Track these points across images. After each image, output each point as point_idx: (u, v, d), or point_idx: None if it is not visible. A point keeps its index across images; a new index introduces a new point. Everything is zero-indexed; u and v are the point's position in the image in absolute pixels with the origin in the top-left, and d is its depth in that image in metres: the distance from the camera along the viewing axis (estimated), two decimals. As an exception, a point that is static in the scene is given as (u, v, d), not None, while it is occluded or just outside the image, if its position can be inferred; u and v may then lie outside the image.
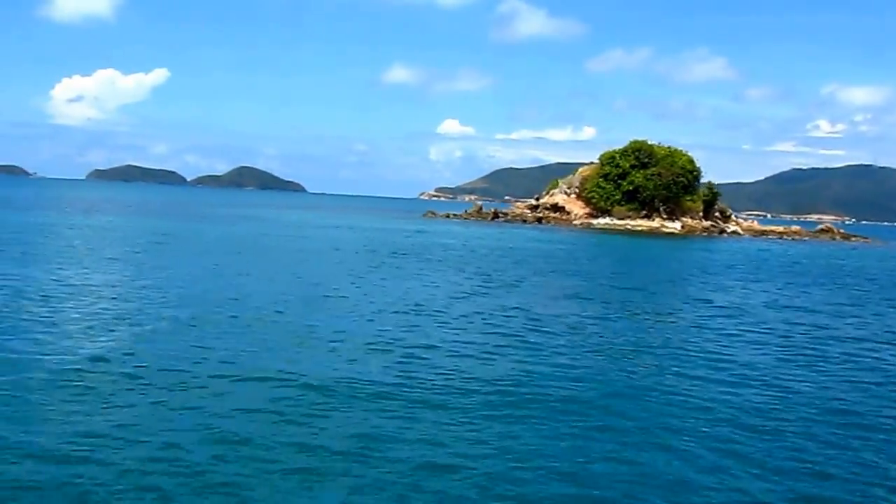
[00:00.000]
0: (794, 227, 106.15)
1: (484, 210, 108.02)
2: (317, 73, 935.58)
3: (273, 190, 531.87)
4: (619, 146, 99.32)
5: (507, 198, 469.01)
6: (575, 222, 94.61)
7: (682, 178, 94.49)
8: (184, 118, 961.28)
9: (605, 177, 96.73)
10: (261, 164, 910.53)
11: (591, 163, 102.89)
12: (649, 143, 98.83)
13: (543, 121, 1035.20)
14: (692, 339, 19.44)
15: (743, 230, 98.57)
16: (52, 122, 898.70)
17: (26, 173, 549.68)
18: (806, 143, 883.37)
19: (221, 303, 20.67)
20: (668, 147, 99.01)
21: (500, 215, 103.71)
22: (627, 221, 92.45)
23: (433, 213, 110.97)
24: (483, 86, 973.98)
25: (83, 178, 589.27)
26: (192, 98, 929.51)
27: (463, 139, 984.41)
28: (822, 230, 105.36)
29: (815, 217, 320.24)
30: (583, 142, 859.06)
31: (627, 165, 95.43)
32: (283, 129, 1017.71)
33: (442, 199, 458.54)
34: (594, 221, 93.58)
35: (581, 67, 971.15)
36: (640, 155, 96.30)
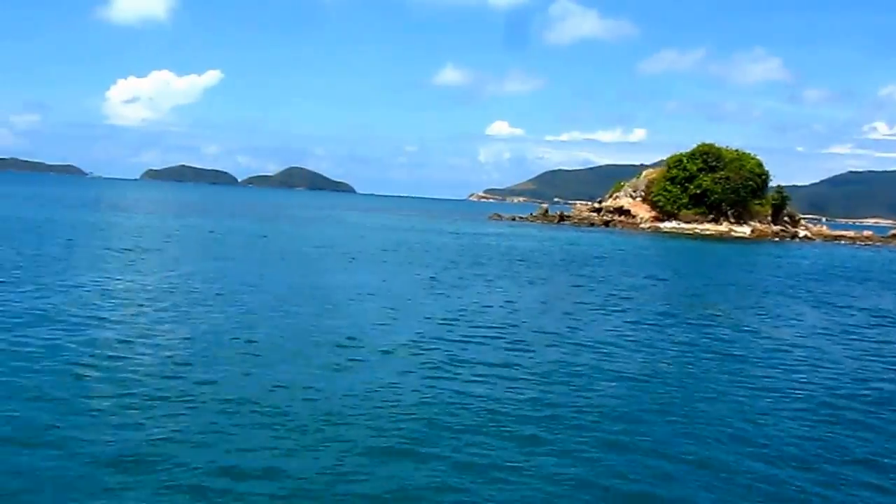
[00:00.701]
0: (866, 233, 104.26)
1: (550, 213, 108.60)
2: (368, 75, 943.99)
3: (323, 190, 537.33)
4: (671, 148, 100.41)
5: (556, 199, 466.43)
6: (642, 226, 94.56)
7: (750, 182, 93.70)
8: (235, 119, 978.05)
9: (672, 180, 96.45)
10: (311, 165, 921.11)
11: (643, 165, 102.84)
12: (717, 146, 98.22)
13: (593, 122, 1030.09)
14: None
15: (812, 234, 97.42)
16: (107, 122, 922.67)
17: (82, 173, 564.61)
18: (862, 146, 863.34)
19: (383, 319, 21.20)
20: (737, 150, 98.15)
21: (565, 218, 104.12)
22: (695, 226, 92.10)
23: (499, 216, 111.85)
24: (533, 87, 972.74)
25: (137, 177, 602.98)
26: (244, 99, 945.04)
27: (512, 141, 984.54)
28: (894, 235, 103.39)
29: (871, 221, 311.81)
30: (633, 143, 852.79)
31: (695, 169, 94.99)
32: (334, 129, 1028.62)
33: (491, 200, 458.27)
34: (661, 225, 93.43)
35: (632, 68, 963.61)
36: (708, 158, 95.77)
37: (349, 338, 17.08)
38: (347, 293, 24.53)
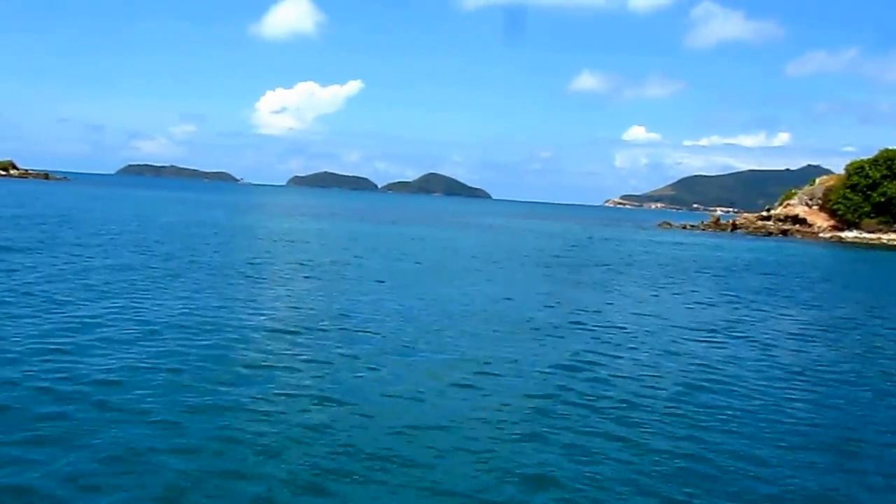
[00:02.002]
0: None
1: (721, 221, 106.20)
2: (504, 82, 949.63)
3: (459, 196, 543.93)
4: (818, 153, 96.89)
5: (695, 206, 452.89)
6: (821, 235, 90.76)
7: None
8: (374, 127, 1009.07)
9: (853, 188, 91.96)
10: (447, 171, 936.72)
11: (788, 170, 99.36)
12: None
13: (734, 126, 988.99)
14: None
15: None
16: (257, 132, 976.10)
17: (234, 179, 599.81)
18: None
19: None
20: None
21: (738, 227, 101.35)
22: (879, 235, 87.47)
23: (668, 224, 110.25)
24: (672, 91, 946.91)
25: (283, 183, 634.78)
26: (383, 107, 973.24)
27: (649, 146, 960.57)
28: None
29: None
30: (776, 148, 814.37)
31: (878, 176, 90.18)
32: (470, 136, 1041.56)
33: (628, 206, 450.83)
34: (842, 235, 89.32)
35: (778, 71, 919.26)
36: (893, 164, 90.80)
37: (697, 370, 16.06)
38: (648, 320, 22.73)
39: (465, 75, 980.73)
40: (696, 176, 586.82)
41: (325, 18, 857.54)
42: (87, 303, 18.42)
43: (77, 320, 16.24)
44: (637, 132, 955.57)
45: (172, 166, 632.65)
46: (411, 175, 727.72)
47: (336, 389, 12.36)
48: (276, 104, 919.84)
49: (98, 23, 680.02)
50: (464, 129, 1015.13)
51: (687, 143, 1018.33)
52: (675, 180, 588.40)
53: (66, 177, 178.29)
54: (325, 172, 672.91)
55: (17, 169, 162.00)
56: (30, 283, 20.83)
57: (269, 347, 15.13)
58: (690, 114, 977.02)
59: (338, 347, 15.43)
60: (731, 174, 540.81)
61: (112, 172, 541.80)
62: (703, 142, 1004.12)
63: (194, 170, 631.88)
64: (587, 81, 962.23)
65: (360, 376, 13.35)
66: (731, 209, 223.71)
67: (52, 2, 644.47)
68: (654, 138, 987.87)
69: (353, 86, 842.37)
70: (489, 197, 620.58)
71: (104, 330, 15.52)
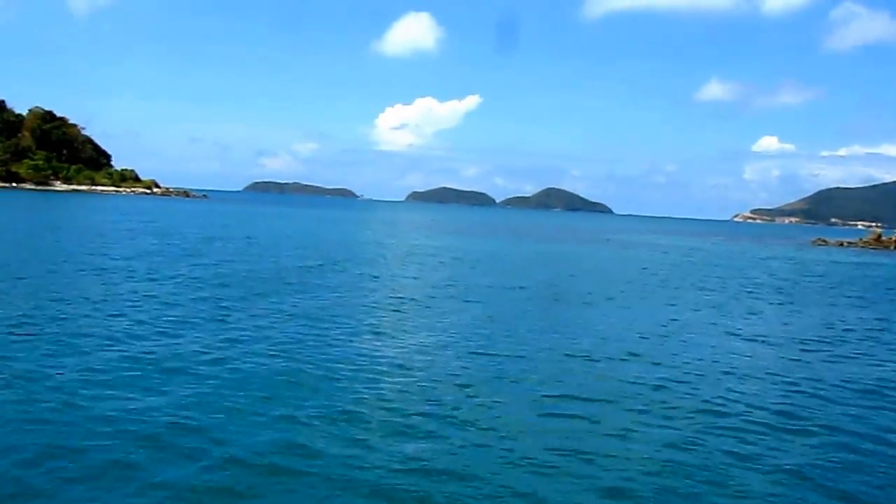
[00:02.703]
0: None
1: (884, 237, 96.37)
2: (626, 93, 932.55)
3: (580, 211, 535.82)
4: None
5: (833, 221, 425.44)
6: None
7: None
8: (493, 141, 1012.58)
9: None
10: (567, 186, 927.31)
11: None
12: None
13: (878, 135, 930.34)
14: None
15: None
16: (377, 148, 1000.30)
17: (354, 195, 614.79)
18: None
19: None
20: None
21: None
22: None
23: (823, 241, 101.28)
24: (808, 98, 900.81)
25: (402, 199, 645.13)
26: (501, 122, 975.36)
27: (782, 157, 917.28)
28: None
29: None
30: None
31: None
32: (590, 149, 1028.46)
33: (758, 221, 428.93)
34: None
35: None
36: None
37: None
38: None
39: (585, 87, 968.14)
40: (833, 188, 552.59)
41: (445, 34, 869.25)
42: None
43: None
44: (769, 143, 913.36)
45: (296, 183, 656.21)
46: (530, 190, 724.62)
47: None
48: (396, 120, 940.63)
49: (226, 48, 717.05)
50: (584, 142, 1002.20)
51: (824, 153, 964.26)
52: (810, 193, 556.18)
53: (205, 195, 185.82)
54: (444, 188, 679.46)
55: (160, 187, 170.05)
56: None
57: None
58: (828, 122, 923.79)
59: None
60: (875, 186, 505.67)
61: (240, 189, 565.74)
62: (842, 152, 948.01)
63: (316, 186, 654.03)
64: (715, 90, 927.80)
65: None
66: (873, 224, 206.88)
67: (184, 29, 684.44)
68: (787, 149, 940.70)
69: (472, 100, 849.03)
70: (610, 212, 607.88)
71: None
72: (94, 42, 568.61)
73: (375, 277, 30.79)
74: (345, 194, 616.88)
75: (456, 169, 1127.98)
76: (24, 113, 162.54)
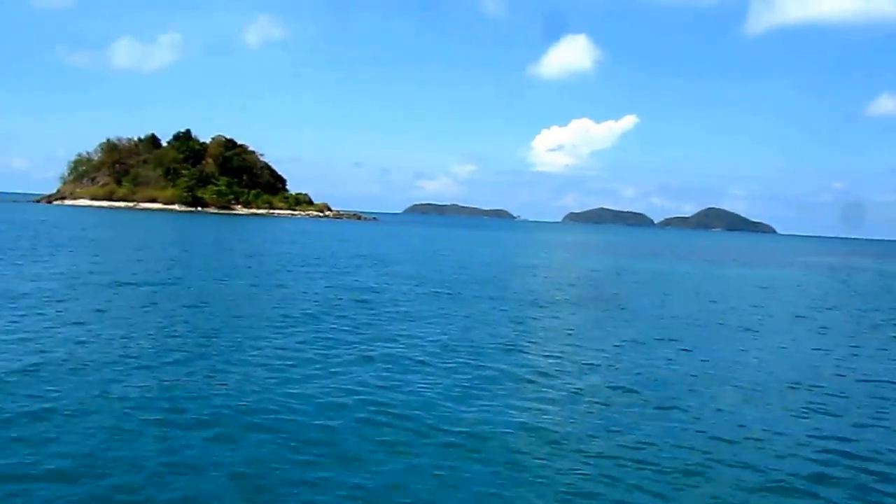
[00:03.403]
0: None
1: None
2: (789, 109, 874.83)
3: (741, 231, 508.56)
4: None
5: None
6: None
7: None
8: (650, 161, 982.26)
9: None
10: (727, 205, 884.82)
11: None
12: None
13: None
14: None
15: None
16: (533, 169, 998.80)
17: (511, 216, 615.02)
18: None
19: None
20: None
21: None
22: None
23: None
24: None
25: (559, 220, 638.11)
26: (659, 141, 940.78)
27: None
28: None
29: None
30: None
31: None
32: (752, 168, 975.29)
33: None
34: None
35: None
36: None
37: None
38: None
39: (746, 104, 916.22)
40: None
41: (603, 55, 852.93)
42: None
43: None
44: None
45: (454, 204, 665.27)
46: (689, 210, 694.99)
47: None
48: (552, 142, 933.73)
49: (386, 75, 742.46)
50: (745, 160, 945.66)
51: None
52: None
53: (375, 217, 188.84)
54: (601, 208, 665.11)
55: (331, 210, 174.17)
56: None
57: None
58: None
59: None
60: None
61: (400, 211, 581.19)
62: None
63: (474, 207, 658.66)
64: (887, 104, 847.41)
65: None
66: None
67: (346, 58, 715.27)
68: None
69: (628, 120, 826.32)
70: (774, 232, 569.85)
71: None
72: (265, 72, 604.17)
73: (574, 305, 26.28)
74: (502, 215, 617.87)
75: (612, 189, 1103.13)
76: (208, 141, 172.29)
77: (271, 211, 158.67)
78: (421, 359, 16.09)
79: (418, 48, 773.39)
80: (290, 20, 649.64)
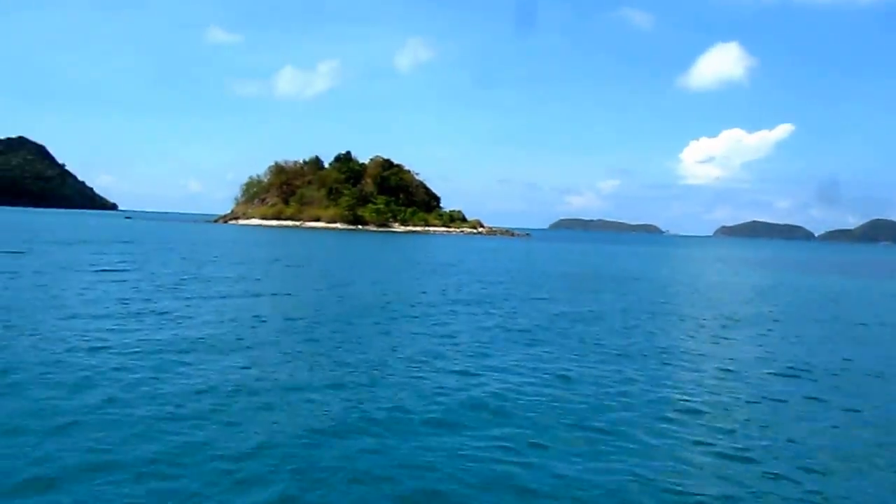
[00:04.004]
0: None
1: None
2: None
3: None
4: None
5: None
6: None
7: None
8: (808, 171, 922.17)
9: None
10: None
11: None
12: None
13: None
14: None
15: None
16: (682, 182, 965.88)
17: (659, 231, 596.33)
18: None
19: None
20: None
21: None
22: None
23: None
24: None
25: (710, 234, 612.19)
26: (818, 150, 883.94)
27: None
28: None
29: None
30: None
31: None
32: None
33: None
34: None
35: None
36: None
37: None
38: None
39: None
40: None
41: (756, 62, 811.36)
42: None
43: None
44: None
45: (600, 220, 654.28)
46: (853, 222, 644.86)
47: None
48: (702, 154, 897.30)
49: (531, 87, 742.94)
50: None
51: None
52: None
53: (527, 233, 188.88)
54: (754, 221, 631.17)
55: (484, 227, 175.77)
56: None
57: None
58: None
59: None
60: None
61: (545, 227, 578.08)
62: None
63: (621, 222, 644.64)
64: None
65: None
66: None
67: (494, 79, 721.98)
68: None
69: (783, 129, 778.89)
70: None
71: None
72: (415, 93, 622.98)
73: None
74: (650, 230, 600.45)
75: (767, 202, 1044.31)
76: (366, 161, 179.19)
77: (427, 228, 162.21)
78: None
79: (564, 64, 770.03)
80: (438, 42, 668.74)
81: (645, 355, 18.37)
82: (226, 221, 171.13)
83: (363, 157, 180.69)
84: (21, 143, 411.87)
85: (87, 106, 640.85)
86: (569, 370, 16.06)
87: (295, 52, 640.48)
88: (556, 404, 13.02)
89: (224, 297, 27.05)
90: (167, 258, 46.92)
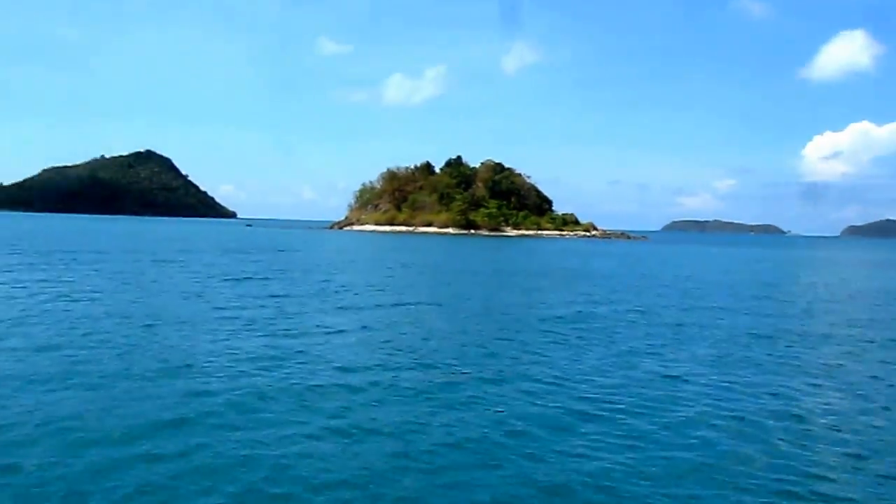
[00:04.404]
0: None
1: None
2: None
3: None
4: None
5: None
6: None
7: None
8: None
9: None
10: None
11: None
12: None
13: None
14: None
15: None
16: (804, 180, 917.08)
17: (780, 231, 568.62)
18: None
19: None
20: None
21: None
22: None
23: None
24: None
25: (837, 234, 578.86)
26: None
27: None
28: None
29: None
30: None
31: None
32: None
33: None
34: None
35: None
36: None
37: None
38: None
39: None
40: None
41: (884, 50, 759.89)
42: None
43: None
44: None
45: (716, 220, 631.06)
46: None
47: None
48: (826, 149, 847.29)
49: (642, 85, 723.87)
50: None
51: None
52: None
53: (644, 236, 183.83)
54: (887, 220, 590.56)
55: (597, 229, 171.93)
56: None
57: None
58: None
59: None
60: None
61: (658, 228, 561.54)
62: None
63: (738, 223, 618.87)
64: None
65: None
66: None
67: (604, 77, 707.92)
68: None
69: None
70: None
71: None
72: (522, 96, 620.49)
73: None
74: (769, 230, 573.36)
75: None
76: (477, 166, 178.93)
77: (539, 232, 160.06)
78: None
79: (679, 60, 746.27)
80: (544, 44, 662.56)
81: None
82: (341, 227, 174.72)
83: (473, 162, 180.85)
84: (149, 156, 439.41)
85: (207, 118, 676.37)
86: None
87: (402, 60, 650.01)
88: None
89: (398, 305, 27.19)
90: (338, 265, 47.71)
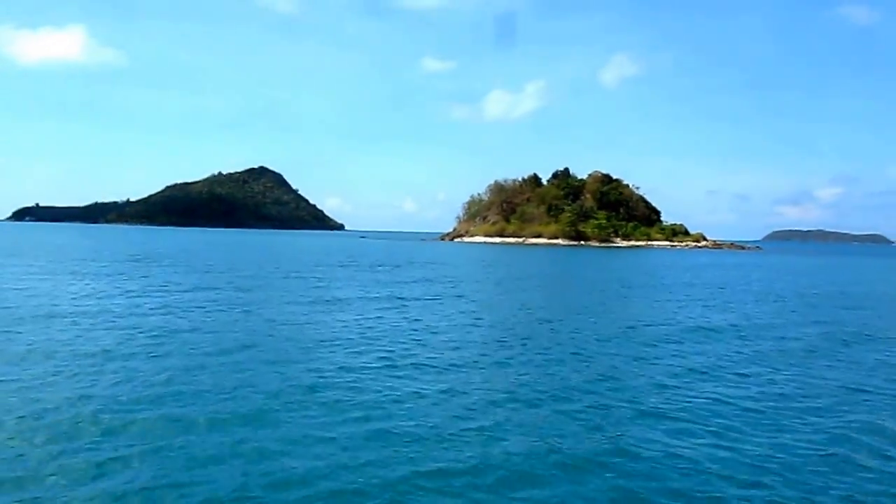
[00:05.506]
0: None
1: None
2: None
3: None
4: None
5: None
6: None
7: None
8: None
9: None
10: None
11: None
12: None
13: None
14: None
15: None
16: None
17: (887, 241, 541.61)
18: None
19: None
20: None
21: None
22: None
23: None
24: None
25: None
26: None
27: None
28: None
29: None
30: None
31: None
32: None
33: None
34: None
35: None
36: None
37: None
38: None
39: None
40: None
41: None
42: None
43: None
44: None
45: (819, 230, 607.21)
46: None
47: None
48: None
49: (742, 94, 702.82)
50: None
51: None
52: None
53: (758, 246, 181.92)
54: None
55: (707, 240, 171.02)
56: None
57: None
58: None
59: None
60: None
61: (758, 238, 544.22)
62: None
63: (843, 233, 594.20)
64: None
65: None
66: None
67: (702, 87, 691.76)
68: None
69: None
70: None
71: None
72: (623, 108, 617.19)
73: None
74: (876, 240, 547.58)
75: None
76: (585, 177, 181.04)
77: (649, 242, 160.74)
78: None
79: (778, 67, 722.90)
80: (644, 56, 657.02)
81: None
82: (451, 239, 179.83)
83: (581, 174, 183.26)
84: (262, 171, 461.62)
85: (315, 135, 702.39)
86: None
87: (502, 75, 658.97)
88: None
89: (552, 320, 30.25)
90: (504, 282, 51.22)
